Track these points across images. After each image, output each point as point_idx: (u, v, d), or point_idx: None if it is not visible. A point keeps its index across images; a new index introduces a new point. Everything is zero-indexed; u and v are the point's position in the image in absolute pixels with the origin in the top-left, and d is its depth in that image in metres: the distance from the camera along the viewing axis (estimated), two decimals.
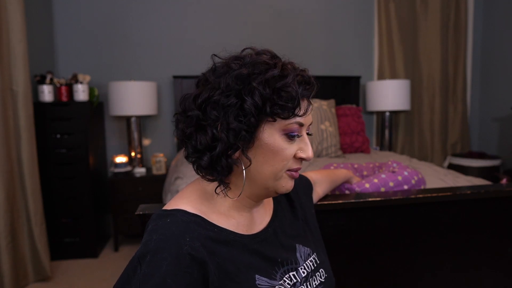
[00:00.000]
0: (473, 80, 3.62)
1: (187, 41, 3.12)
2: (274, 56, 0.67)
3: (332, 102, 2.88)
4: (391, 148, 3.29)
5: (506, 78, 3.27)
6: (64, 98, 2.60)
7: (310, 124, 0.70)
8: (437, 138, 3.50)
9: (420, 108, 3.48)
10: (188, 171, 2.10)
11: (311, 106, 0.67)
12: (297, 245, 0.77)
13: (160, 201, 2.61)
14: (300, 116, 0.64)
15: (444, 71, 3.48)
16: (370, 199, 1.09)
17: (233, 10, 3.17)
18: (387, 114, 3.23)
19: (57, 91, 2.62)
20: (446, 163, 3.46)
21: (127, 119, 2.88)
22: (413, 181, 1.24)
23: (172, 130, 3.15)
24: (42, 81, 2.54)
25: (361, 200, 1.09)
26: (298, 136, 0.66)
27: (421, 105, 3.48)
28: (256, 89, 0.61)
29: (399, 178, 1.23)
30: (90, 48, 2.99)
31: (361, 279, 1.16)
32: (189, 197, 0.68)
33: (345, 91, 3.29)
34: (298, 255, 0.75)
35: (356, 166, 1.46)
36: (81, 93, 2.60)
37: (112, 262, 2.57)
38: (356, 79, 3.32)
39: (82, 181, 2.58)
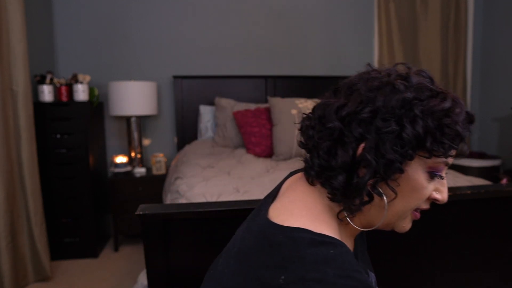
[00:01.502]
0: (473, 80, 3.62)
1: (187, 41, 3.12)
2: (432, 80, 0.59)
3: None
4: None
5: (506, 78, 3.27)
6: (64, 98, 2.60)
7: None
8: None
9: None
10: (188, 171, 2.10)
11: (465, 147, 0.60)
12: (369, 271, 0.73)
13: (160, 201, 2.61)
14: (452, 156, 0.57)
15: (444, 71, 3.48)
16: None
17: (233, 10, 3.17)
18: None
19: (57, 91, 2.62)
20: None
21: (127, 119, 2.87)
22: None
23: (172, 130, 3.16)
24: (42, 81, 2.54)
25: None
26: (441, 177, 0.59)
27: None
28: (419, 118, 0.53)
29: None
30: (90, 48, 2.99)
31: None
32: (326, 219, 0.58)
33: None
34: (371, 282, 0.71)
35: None
36: (81, 93, 2.60)
37: (112, 262, 2.57)
38: None
39: (82, 181, 2.58)
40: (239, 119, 2.70)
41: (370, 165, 0.54)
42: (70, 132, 2.55)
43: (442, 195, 0.61)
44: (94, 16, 2.98)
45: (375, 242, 1.15)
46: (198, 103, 3.08)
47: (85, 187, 2.58)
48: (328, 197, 0.58)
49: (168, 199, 1.97)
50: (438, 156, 0.55)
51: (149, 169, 2.97)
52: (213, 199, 1.67)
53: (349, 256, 0.51)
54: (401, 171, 0.54)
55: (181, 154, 2.63)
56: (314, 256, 0.49)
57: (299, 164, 0.68)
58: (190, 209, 0.97)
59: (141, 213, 0.94)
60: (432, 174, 0.58)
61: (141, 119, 3.00)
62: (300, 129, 0.62)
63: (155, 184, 2.76)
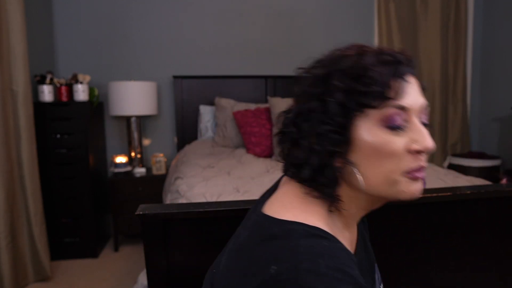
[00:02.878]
0: (473, 80, 3.62)
1: (187, 41, 3.12)
2: (360, 47, 0.58)
3: None
4: None
5: (506, 78, 3.27)
6: (64, 98, 2.60)
7: (424, 109, 0.57)
8: (437, 138, 3.50)
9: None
10: (188, 171, 2.10)
11: (415, 86, 0.56)
12: (375, 265, 0.70)
13: (160, 201, 2.61)
14: (393, 99, 0.53)
15: (444, 71, 3.48)
16: None
17: (233, 10, 3.17)
18: None
19: (57, 91, 2.62)
20: (446, 163, 3.46)
21: (127, 119, 2.87)
22: None
23: (172, 130, 3.16)
24: (42, 81, 2.54)
25: None
26: (402, 128, 0.54)
27: None
28: (334, 87, 0.53)
29: None
30: (90, 48, 2.99)
31: None
32: (317, 211, 0.57)
33: None
34: (376, 277, 0.68)
35: None
36: (81, 93, 2.60)
37: (112, 262, 2.57)
38: None
39: (82, 181, 2.58)
40: (239, 119, 2.70)
41: (316, 149, 0.54)
42: (70, 132, 2.55)
43: (421, 144, 0.54)
44: (94, 16, 2.98)
45: (375, 242, 1.15)
46: (198, 103, 3.08)
47: (85, 187, 2.58)
48: (307, 192, 0.58)
49: (168, 199, 1.97)
50: (373, 107, 0.53)
51: (149, 169, 2.97)
52: (213, 199, 1.67)
53: (343, 252, 0.51)
54: (343, 140, 0.54)
55: (181, 154, 2.63)
56: (307, 247, 0.49)
57: None
58: (190, 209, 0.97)
59: (141, 213, 0.94)
60: (391, 127, 0.53)
61: (141, 119, 3.00)
62: (278, 144, 0.65)
63: (155, 184, 2.76)
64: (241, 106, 2.87)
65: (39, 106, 2.48)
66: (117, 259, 2.62)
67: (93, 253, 2.64)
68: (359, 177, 0.55)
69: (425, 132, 0.54)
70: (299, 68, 0.62)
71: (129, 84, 2.72)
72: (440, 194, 1.14)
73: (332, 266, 0.47)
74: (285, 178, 0.65)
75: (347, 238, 0.60)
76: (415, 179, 0.55)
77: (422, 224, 1.17)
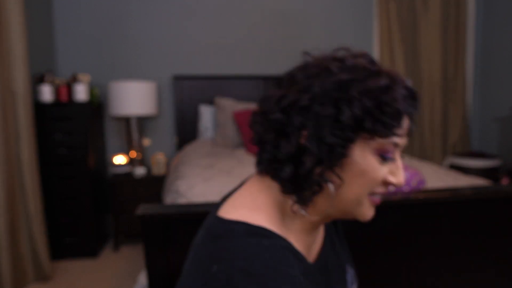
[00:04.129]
0: (473, 80, 3.62)
1: (188, 41, 3.12)
2: (372, 61, 0.57)
3: None
4: None
5: (506, 78, 3.26)
6: (64, 98, 2.60)
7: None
8: (437, 138, 3.50)
9: (420, 108, 3.47)
10: (188, 171, 2.10)
11: (413, 126, 0.58)
12: (347, 265, 0.72)
13: (160, 201, 2.61)
14: (399, 136, 0.55)
15: (444, 71, 3.48)
16: None
17: (233, 10, 3.17)
18: None
19: (57, 91, 2.62)
20: (446, 163, 3.46)
21: (127, 119, 2.87)
22: (412, 183, 1.24)
23: (172, 130, 3.16)
24: (41, 81, 2.54)
25: None
26: (391, 159, 0.57)
27: (421, 105, 3.46)
28: (356, 100, 0.51)
29: None
30: (90, 48, 2.99)
31: (360, 281, 1.15)
32: (268, 210, 0.57)
33: None
34: (348, 278, 0.70)
35: None
36: (81, 93, 2.60)
37: (112, 262, 2.57)
38: None
39: (82, 181, 2.58)
40: (239, 119, 2.70)
41: (312, 153, 0.53)
42: (70, 132, 2.54)
43: (396, 178, 0.57)
44: (94, 16, 2.98)
45: (374, 242, 1.15)
46: (198, 103, 3.08)
47: (85, 187, 2.58)
48: (281, 190, 0.57)
49: (168, 199, 1.96)
50: (381, 137, 0.53)
51: (149, 169, 2.97)
52: (213, 199, 1.67)
53: (284, 250, 0.51)
54: (344, 155, 0.53)
55: (181, 154, 2.63)
56: (245, 246, 0.49)
57: None
58: (190, 209, 0.97)
59: (141, 213, 0.94)
60: (383, 157, 0.55)
61: (141, 119, 2.99)
62: (250, 126, 0.61)
63: (155, 184, 2.75)
64: (241, 106, 2.87)
65: (39, 106, 2.48)
66: (117, 259, 2.62)
67: (93, 253, 2.64)
68: (332, 193, 0.56)
69: (402, 168, 0.58)
70: (306, 53, 0.61)
71: (129, 84, 2.72)
72: (440, 194, 1.14)
73: (267, 265, 0.47)
74: (251, 178, 0.64)
75: (304, 241, 0.60)
76: (374, 203, 0.59)
77: (422, 224, 1.17)
